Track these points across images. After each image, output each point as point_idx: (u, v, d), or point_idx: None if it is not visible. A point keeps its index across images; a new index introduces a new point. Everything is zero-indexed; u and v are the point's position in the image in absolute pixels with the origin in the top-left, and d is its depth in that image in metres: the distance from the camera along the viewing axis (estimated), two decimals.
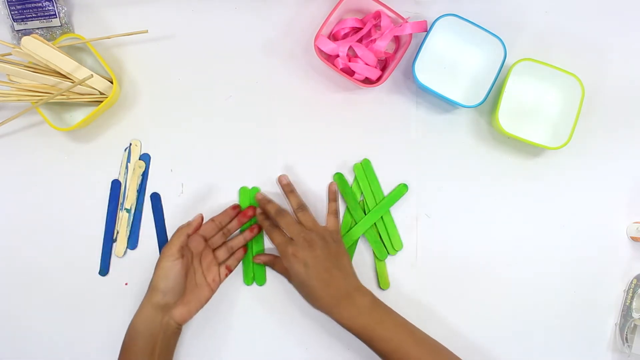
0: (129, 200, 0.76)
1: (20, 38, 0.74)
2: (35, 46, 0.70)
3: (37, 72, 0.72)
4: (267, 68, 0.78)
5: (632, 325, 0.75)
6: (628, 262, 0.78)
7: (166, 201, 0.77)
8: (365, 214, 0.77)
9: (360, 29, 0.77)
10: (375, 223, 0.77)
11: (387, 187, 0.78)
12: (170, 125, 0.78)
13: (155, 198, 0.77)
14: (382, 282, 0.77)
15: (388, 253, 0.77)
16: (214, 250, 0.74)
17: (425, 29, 0.74)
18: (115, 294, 0.76)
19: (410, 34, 0.74)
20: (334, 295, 0.68)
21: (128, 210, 0.76)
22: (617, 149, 0.79)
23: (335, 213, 0.75)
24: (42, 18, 0.75)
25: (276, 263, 0.75)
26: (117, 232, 0.76)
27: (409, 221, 0.77)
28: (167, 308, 0.69)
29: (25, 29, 0.76)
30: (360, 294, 0.69)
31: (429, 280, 0.77)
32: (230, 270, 0.75)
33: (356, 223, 0.77)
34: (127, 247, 0.76)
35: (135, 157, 0.77)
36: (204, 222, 0.74)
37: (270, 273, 0.77)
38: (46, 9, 0.75)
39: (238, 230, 0.76)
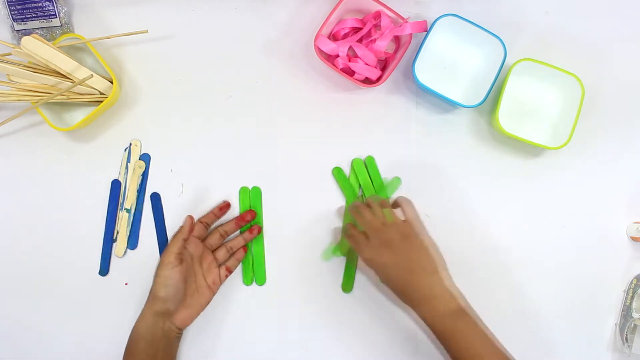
0: (129, 200, 0.76)
1: (20, 38, 0.74)
2: (35, 46, 0.70)
3: (37, 72, 0.72)
4: (267, 68, 0.78)
5: (632, 325, 0.75)
6: (628, 262, 0.78)
7: (166, 201, 0.77)
8: None
9: (360, 29, 0.77)
10: None
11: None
12: (170, 125, 0.77)
13: (155, 198, 0.77)
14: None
15: None
16: (213, 251, 0.74)
17: (425, 29, 0.74)
18: (115, 294, 0.76)
19: (410, 34, 0.74)
20: (414, 297, 0.67)
21: (128, 210, 0.76)
22: (617, 149, 0.79)
23: (391, 206, 0.73)
24: (42, 18, 0.75)
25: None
26: (117, 232, 0.76)
27: None
28: (168, 314, 0.69)
29: (25, 29, 0.76)
30: (445, 300, 0.66)
31: None
32: (230, 272, 0.75)
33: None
34: (127, 247, 0.76)
35: (135, 157, 0.77)
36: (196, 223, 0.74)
37: (270, 273, 0.76)
38: (46, 9, 0.75)
39: (238, 232, 0.77)
